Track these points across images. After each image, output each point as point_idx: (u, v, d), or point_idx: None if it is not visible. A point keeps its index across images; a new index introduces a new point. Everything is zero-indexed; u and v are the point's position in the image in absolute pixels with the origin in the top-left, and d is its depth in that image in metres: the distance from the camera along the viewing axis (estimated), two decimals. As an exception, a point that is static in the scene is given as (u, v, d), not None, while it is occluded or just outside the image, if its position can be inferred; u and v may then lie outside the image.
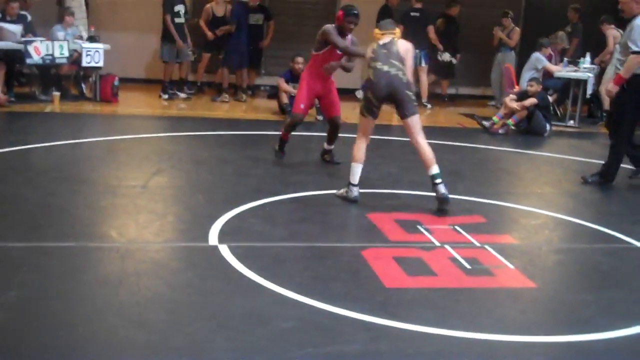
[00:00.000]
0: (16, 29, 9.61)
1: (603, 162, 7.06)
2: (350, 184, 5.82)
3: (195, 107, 10.78)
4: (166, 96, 11.17)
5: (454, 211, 5.67)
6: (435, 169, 5.65)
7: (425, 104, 11.97)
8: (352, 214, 5.57)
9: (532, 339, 3.62)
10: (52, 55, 9.74)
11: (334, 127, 6.97)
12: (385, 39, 5.84)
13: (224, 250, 4.47)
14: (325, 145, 7.19)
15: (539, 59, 11.07)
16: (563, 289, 4.46)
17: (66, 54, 9.93)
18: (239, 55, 11.41)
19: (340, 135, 7.06)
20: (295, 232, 5.05)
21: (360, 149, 5.87)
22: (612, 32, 11.06)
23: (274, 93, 10.60)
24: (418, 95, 11.96)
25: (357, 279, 4.24)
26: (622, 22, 7.29)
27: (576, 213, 6.01)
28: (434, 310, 3.88)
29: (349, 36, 6.64)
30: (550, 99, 10.77)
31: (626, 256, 5.05)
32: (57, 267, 4.11)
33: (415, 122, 5.78)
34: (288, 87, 9.85)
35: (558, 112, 11.70)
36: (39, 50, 9.61)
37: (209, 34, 11.26)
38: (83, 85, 10.79)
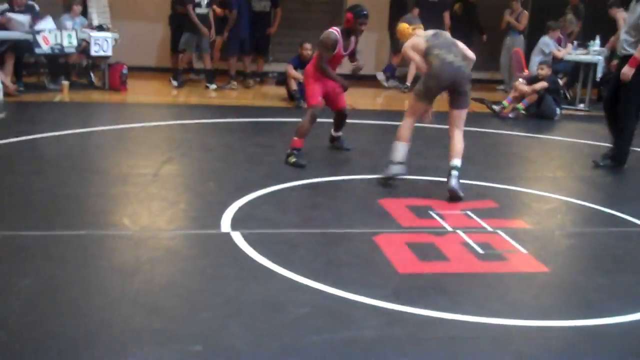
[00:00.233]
0: (24, 19, 9.61)
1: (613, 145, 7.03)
2: (390, 161, 5.83)
3: (204, 95, 10.78)
4: (176, 83, 11.16)
5: (466, 196, 5.65)
6: (457, 162, 5.66)
7: (407, 85, 11.95)
8: (363, 200, 5.56)
9: (546, 323, 3.62)
10: (60, 44, 9.74)
11: (341, 116, 6.96)
12: (426, 32, 5.87)
13: (237, 237, 4.48)
14: (333, 132, 7.17)
15: (546, 43, 11.01)
16: (576, 274, 4.45)
17: (75, 43, 9.91)
18: (239, 42, 11.37)
19: (348, 121, 7.06)
20: (307, 219, 5.06)
21: (406, 127, 5.86)
22: (622, 15, 10.96)
23: (282, 80, 10.57)
24: (405, 77, 11.97)
25: (370, 265, 4.25)
26: (627, 2, 7.19)
27: (588, 197, 6.00)
28: (447, 295, 3.88)
29: (353, 39, 6.54)
30: (560, 82, 10.72)
31: (639, 240, 5.03)
32: (71, 256, 4.12)
33: (464, 115, 5.83)
34: (297, 74, 9.82)
35: (568, 95, 11.64)
36: (47, 40, 9.61)
37: (218, 11, 11.26)
38: (92, 74, 10.80)
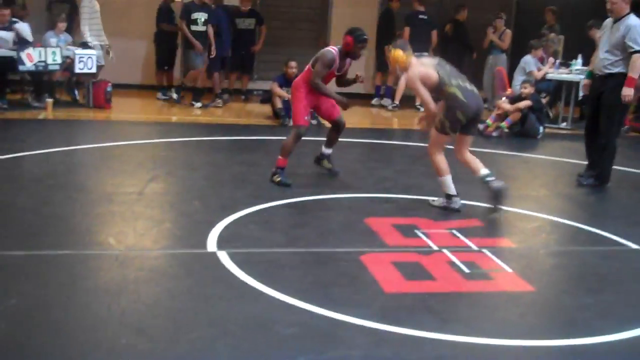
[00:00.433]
0: (7, 35, 9.59)
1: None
2: (451, 195, 5.87)
3: (189, 113, 10.77)
4: (199, 104, 11.10)
5: (451, 215, 5.69)
6: (486, 170, 5.81)
7: (396, 103, 12.07)
8: (349, 219, 5.57)
9: (533, 343, 3.63)
10: (44, 62, 9.73)
11: (337, 127, 6.77)
12: (430, 60, 5.88)
13: (223, 256, 4.47)
14: (324, 149, 6.89)
15: (528, 62, 11.12)
16: (561, 293, 4.47)
17: (59, 60, 9.91)
18: (220, 59, 11.37)
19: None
20: (293, 238, 5.06)
21: (443, 160, 5.88)
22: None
23: (267, 98, 10.60)
24: (393, 94, 12.08)
25: (356, 284, 4.25)
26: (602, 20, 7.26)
27: (572, 215, 6.04)
28: (434, 314, 3.89)
29: (348, 61, 6.51)
30: (543, 101, 10.82)
31: (623, 258, 5.07)
32: (56, 276, 4.10)
33: (471, 139, 5.96)
34: (282, 92, 9.86)
35: (550, 114, 11.74)
36: (31, 57, 9.59)
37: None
38: (76, 92, 10.77)
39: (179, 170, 6.99)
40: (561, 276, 4.83)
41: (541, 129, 10.04)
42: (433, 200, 5.97)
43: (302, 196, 6.05)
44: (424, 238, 5.12)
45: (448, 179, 5.87)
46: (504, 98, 10.33)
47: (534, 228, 5.69)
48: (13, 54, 9.47)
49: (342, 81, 6.69)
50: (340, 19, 13.00)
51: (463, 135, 5.88)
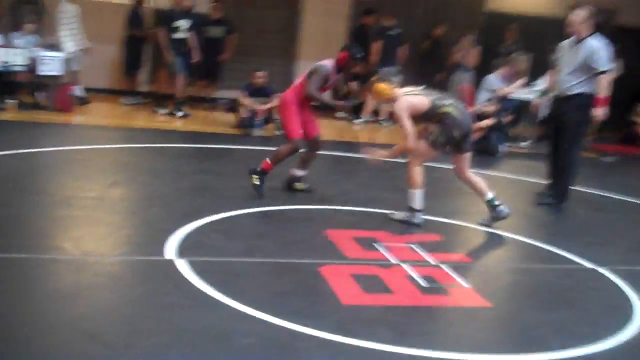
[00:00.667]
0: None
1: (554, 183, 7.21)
2: (415, 210, 5.85)
3: (153, 119, 10.70)
4: (181, 114, 10.92)
5: (410, 229, 5.74)
6: (492, 194, 5.95)
7: (364, 118, 12.18)
8: (310, 230, 5.58)
9: (488, 357, 3.68)
10: (7, 62, 9.60)
11: (314, 147, 6.57)
12: (415, 89, 5.88)
13: (181, 264, 4.45)
14: (297, 172, 6.62)
15: (490, 81, 11.25)
16: (517, 309, 4.53)
17: (23, 61, 9.78)
18: (189, 64, 11.28)
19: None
20: (253, 248, 5.04)
21: (420, 173, 5.87)
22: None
23: (232, 107, 10.58)
24: (359, 109, 12.09)
25: (315, 296, 4.26)
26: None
27: (530, 234, 6.13)
28: (391, 328, 3.91)
29: (338, 76, 6.46)
30: (505, 119, 10.95)
31: (578, 277, 5.14)
32: (10, 280, 4.03)
33: (469, 157, 6.01)
34: (249, 101, 9.85)
35: (508, 132, 11.89)
36: (-5, 57, 9.47)
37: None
38: (39, 94, 10.62)
39: (140, 176, 6.94)
40: (517, 293, 4.89)
41: (501, 147, 10.18)
42: (392, 214, 6.00)
43: (264, 206, 6.05)
44: (383, 251, 5.15)
45: (420, 193, 5.89)
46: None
47: (491, 245, 5.76)
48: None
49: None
50: (310, 30, 13.06)
51: (459, 154, 5.95)
